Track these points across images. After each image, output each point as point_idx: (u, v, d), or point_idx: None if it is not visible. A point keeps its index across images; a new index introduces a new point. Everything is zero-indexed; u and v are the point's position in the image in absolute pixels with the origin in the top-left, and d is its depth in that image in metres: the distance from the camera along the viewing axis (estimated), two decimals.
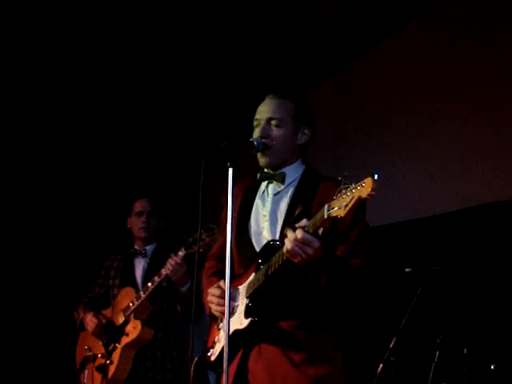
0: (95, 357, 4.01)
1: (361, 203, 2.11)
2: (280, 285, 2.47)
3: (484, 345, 3.98)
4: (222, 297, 2.55)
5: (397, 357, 3.94)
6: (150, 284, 3.90)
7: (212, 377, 3.93)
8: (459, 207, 4.58)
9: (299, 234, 2.26)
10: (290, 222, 2.46)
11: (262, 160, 2.65)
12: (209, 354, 2.67)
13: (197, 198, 2.52)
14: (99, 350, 4.03)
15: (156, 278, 3.87)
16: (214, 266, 2.86)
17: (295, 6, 4.90)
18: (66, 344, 4.63)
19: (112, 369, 3.92)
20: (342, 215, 2.15)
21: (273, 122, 2.63)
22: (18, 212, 6.56)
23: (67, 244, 6.73)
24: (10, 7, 4.56)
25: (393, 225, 4.97)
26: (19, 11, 4.64)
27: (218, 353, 2.61)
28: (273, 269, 2.41)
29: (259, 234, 2.62)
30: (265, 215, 2.63)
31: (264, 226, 2.62)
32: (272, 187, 2.67)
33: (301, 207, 2.51)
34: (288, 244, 2.28)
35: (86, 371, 4.03)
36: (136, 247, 4.29)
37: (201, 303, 2.79)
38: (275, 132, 2.62)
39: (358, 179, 2.12)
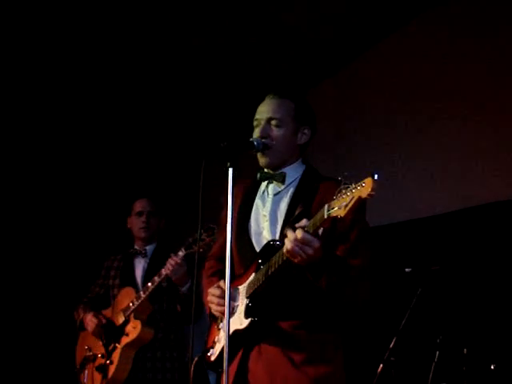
0: (95, 357, 4.01)
1: (361, 203, 2.11)
2: (280, 285, 2.47)
3: (484, 345, 3.98)
4: (222, 297, 2.55)
5: (397, 357, 3.93)
6: (149, 284, 3.90)
7: (212, 377, 3.93)
8: (459, 207, 4.58)
9: (299, 233, 2.26)
10: (290, 221, 2.46)
11: (262, 160, 2.65)
12: (209, 354, 2.67)
13: (197, 197, 2.51)
14: (99, 350, 4.03)
15: (156, 278, 3.87)
16: (214, 266, 2.86)
17: (295, 6, 4.90)
18: (66, 344, 4.63)
19: (112, 369, 3.92)
20: (342, 215, 2.15)
21: (273, 122, 2.63)
22: (18, 212, 6.56)
23: (67, 244, 6.73)
24: (10, 7, 4.57)
25: (393, 225, 4.96)
26: (19, 11, 4.64)
27: (218, 353, 2.61)
28: (273, 269, 2.41)
29: (259, 234, 2.62)
30: (265, 215, 2.63)
31: (264, 226, 2.62)
32: (272, 187, 2.67)
33: (301, 207, 2.51)
34: (288, 244, 2.28)
35: (86, 371, 4.03)
36: (136, 247, 4.29)
37: (201, 303, 2.79)
38: (275, 132, 2.62)
39: (358, 179, 2.12)
